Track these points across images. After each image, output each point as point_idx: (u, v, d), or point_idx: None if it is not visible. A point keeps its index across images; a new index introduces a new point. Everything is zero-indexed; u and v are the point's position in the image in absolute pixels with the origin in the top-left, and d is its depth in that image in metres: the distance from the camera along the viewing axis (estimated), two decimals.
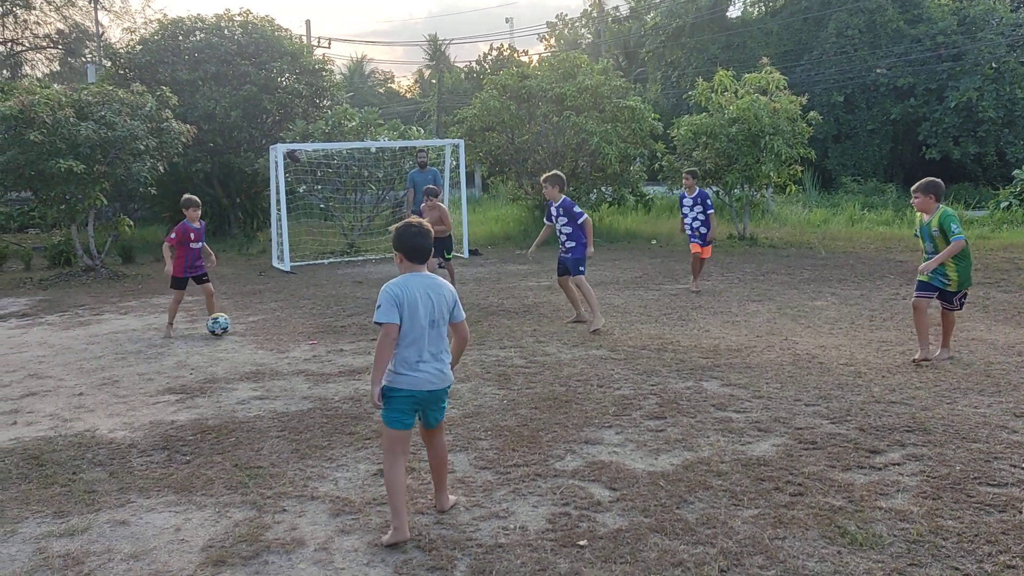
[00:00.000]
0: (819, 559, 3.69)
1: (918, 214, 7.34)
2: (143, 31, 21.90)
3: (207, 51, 20.02)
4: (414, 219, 4.15)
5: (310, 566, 3.81)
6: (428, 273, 4.13)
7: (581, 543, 3.91)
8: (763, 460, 4.91)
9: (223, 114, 19.37)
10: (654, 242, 17.62)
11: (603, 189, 19.60)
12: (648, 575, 3.61)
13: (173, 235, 9.36)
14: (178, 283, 9.44)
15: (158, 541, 4.11)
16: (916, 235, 7.43)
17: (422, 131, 22.31)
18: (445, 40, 52.10)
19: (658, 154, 19.08)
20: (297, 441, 5.55)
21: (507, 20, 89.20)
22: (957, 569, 3.57)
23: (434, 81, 47.12)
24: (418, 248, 4.12)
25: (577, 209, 9.17)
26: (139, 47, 20.49)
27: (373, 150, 17.66)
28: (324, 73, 21.56)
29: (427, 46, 53.21)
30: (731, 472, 4.74)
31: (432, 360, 4.06)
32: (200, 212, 9.51)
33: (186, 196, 9.49)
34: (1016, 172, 21.19)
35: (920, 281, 7.24)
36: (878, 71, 28.15)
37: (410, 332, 4.01)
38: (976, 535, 3.87)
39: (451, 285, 4.20)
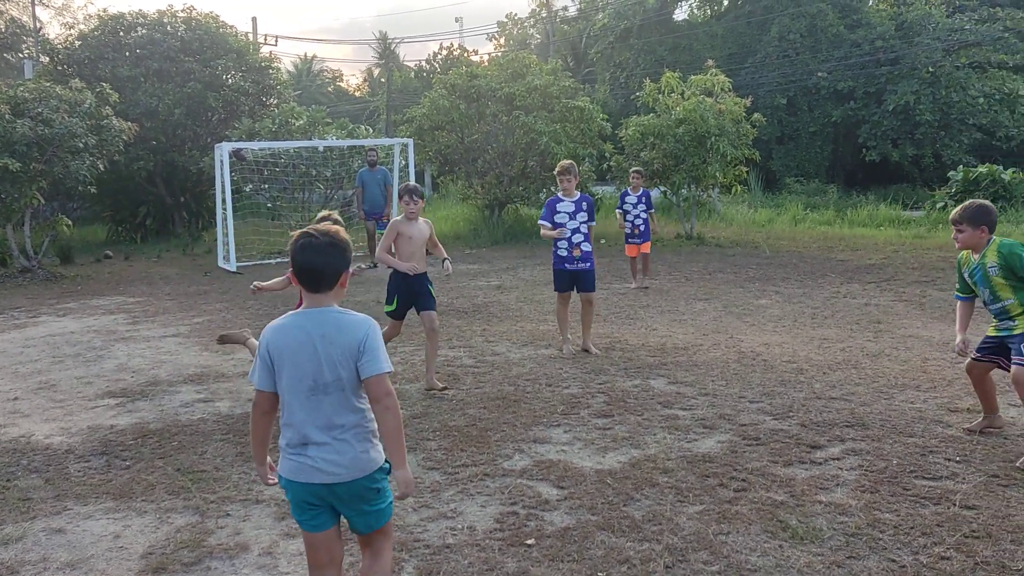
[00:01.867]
0: (761, 553, 3.76)
1: (962, 253, 5.20)
2: (83, 26, 21.38)
3: (149, 47, 19.61)
4: (323, 225, 2.86)
5: (254, 571, 3.75)
6: (334, 309, 2.84)
7: (529, 542, 3.92)
8: (708, 457, 4.98)
9: (166, 111, 19.01)
10: (603, 241, 17.75)
11: (552, 188, 19.68)
12: (595, 573, 3.64)
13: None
14: None
15: (96, 549, 4.01)
16: (966, 279, 5.17)
17: (371, 130, 22.18)
18: (395, 39, 51.90)
19: (606, 154, 19.24)
20: (242, 444, 5.46)
21: (457, 19, 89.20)
22: (894, 561, 3.67)
23: (383, 80, 46.83)
24: (308, 269, 2.79)
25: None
26: (78, 42, 19.99)
27: (321, 149, 17.49)
28: (271, 71, 21.30)
29: (377, 45, 52.94)
30: (677, 469, 4.80)
31: (325, 441, 2.80)
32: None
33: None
34: (951, 173, 21.83)
35: (987, 336, 5.16)
36: (819, 75, 28.77)
37: (289, 400, 2.82)
38: (912, 527, 3.98)
39: (371, 327, 2.81)
